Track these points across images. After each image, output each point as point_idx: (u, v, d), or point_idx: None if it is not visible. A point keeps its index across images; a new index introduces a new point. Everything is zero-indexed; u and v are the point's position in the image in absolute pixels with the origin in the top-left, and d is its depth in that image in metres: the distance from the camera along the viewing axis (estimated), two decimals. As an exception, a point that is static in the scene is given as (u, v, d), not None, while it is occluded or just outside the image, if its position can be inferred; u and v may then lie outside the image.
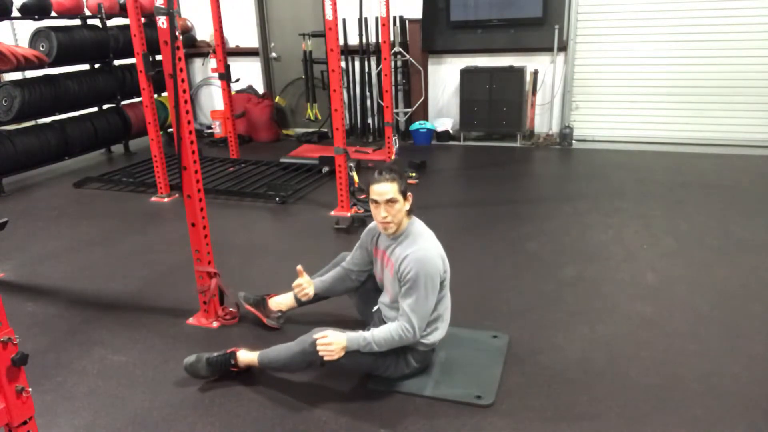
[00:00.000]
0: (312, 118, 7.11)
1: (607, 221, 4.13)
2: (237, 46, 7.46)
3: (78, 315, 3.11)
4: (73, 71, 6.17)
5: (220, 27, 5.82)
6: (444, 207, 4.59)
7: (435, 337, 2.40)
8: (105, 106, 6.58)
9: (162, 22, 2.61)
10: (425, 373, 2.46)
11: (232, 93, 6.51)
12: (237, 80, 6.66)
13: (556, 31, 6.14)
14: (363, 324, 2.70)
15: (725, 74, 5.89)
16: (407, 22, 6.54)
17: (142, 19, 4.81)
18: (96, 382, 2.53)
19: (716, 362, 2.50)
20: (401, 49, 6.52)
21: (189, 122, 2.73)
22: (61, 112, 5.98)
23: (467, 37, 6.51)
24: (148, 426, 2.24)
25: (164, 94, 7.07)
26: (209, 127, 7.53)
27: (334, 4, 4.01)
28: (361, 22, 6.61)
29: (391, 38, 6.04)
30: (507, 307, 3.02)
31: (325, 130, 7.17)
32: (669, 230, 3.93)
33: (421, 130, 6.67)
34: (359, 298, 2.74)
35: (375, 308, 2.58)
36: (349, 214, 4.38)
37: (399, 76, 6.73)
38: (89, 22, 6.36)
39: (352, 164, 4.50)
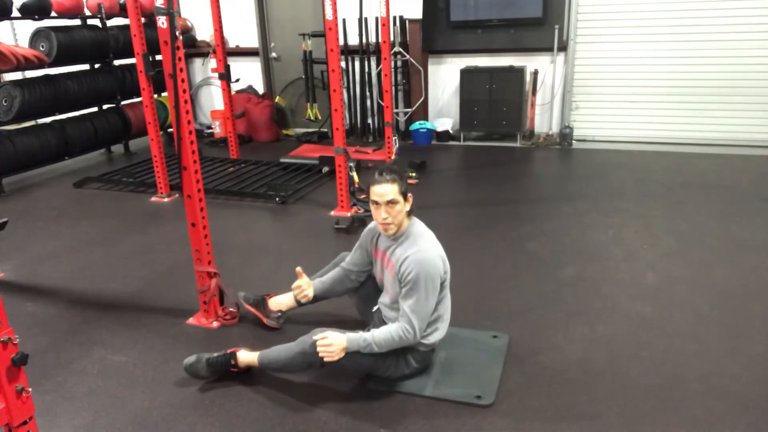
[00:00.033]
0: (312, 118, 7.11)
1: (607, 221, 4.13)
2: (237, 46, 7.46)
3: (78, 315, 3.11)
4: (73, 71, 6.17)
5: (220, 27, 5.82)
6: (444, 207, 4.59)
7: (435, 337, 2.40)
8: (105, 106, 6.58)
9: (162, 22, 2.61)
10: (425, 373, 2.46)
11: (232, 93, 6.51)
12: (237, 80, 6.66)
13: (556, 31, 6.14)
14: (363, 324, 2.70)
15: (725, 74, 5.89)
16: (407, 22, 6.54)
17: (142, 19, 4.81)
18: (96, 382, 2.53)
19: (716, 362, 2.50)
20: (401, 49, 6.52)
21: (189, 122, 2.73)
22: (61, 112, 5.98)
23: (467, 37, 6.51)
24: (148, 426, 2.25)
25: (164, 94, 7.08)
26: (209, 127, 7.53)
27: (334, 4, 4.01)
28: (361, 22, 6.61)
29: (391, 38, 6.04)
30: (507, 307, 3.02)
31: (325, 130, 7.17)
32: (669, 230, 3.93)
33: (421, 130, 6.67)
34: (359, 299, 2.74)
35: (375, 308, 2.58)
36: (349, 214, 4.38)
37: (399, 76, 6.73)
38: (89, 22, 6.36)
39: (352, 164, 4.50)
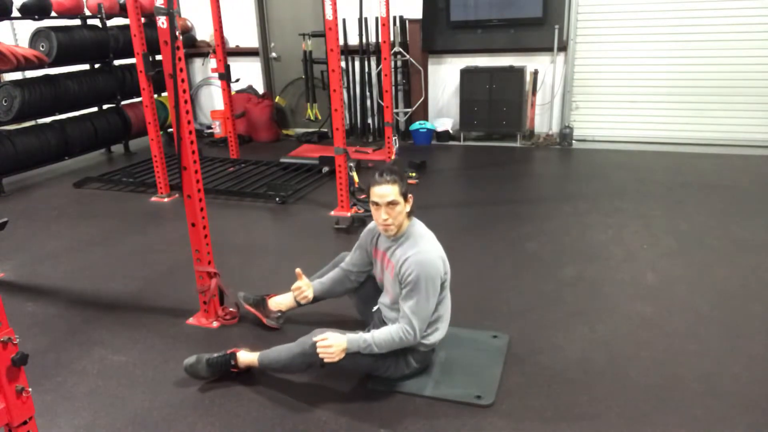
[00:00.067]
0: (312, 118, 7.11)
1: (607, 221, 4.13)
2: (237, 46, 7.46)
3: (78, 315, 3.11)
4: (73, 71, 6.17)
5: (220, 27, 5.82)
6: (444, 207, 4.59)
7: (435, 337, 2.40)
8: (105, 106, 6.58)
9: (162, 22, 2.61)
10: (425, 373, 2.46)
11: (232, 93, 6.51)
12: (237, 80, 6.66)
13: (556, 31, 6.14)
14: (363, 324, 2.70)
15: (725, 74, 5.89)
16: (407, 22, 6.54)
17: (142, 19, 4.81)
18: (96, 382, 2.53)
19: (716, 362, 2.50)
20: (401, 49, 6.52)
21: (189, 122, 2.73)
22: (61, 112, 5.98)
23: (467, 37, 6.51)
24: (148, 426, 2.25)
25: (164, 94, 7.08)
26: (209, 127, 7.53)
27: (334, 4, 4.01)
28: (361, 22, 6.61)
29: (391, 38, 6.04)
30: (507, 307, 3.02)
31: (325, 130, 7.17)
32: (669, 230, 3.93)
33: (421, 130, 6.67)
34: (359, 299, 2.74)
35: (375, 308, 2.58)
36: (349, 214, 4.38)
37: (399, 76, 6.73)
38: (89, 22, 6.36)
39: (352, 164, 4.50)
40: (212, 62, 6.78)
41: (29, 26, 5.89)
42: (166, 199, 4.99)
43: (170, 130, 6.93)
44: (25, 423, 1.60)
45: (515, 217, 4.29)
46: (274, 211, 4.66)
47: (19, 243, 4.13)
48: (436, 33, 6.58)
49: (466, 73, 6.37)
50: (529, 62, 6.37)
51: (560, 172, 5.60)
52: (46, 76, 5.84)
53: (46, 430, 2.24)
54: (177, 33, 2.61)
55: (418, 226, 2.41)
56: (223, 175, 5.53)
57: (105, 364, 2.66)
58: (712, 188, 4.76)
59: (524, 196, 4.84)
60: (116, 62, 6.63)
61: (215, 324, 2.94)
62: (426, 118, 6.80)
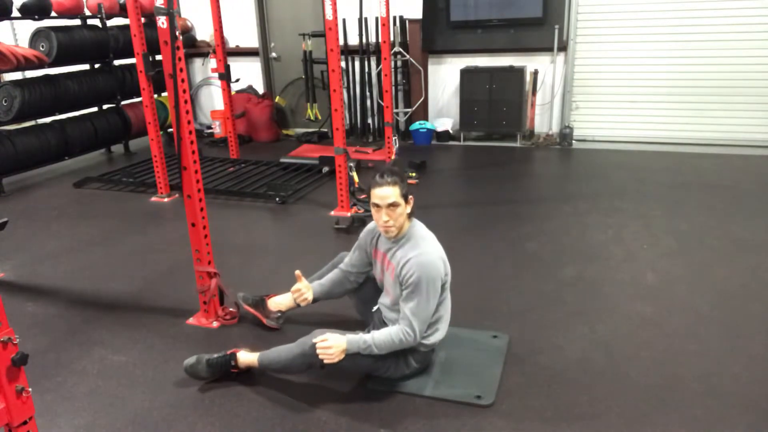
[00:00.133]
0: (312, 118, 7.11)
1: (607, 221, 4.13)
2: (237, 46, 7.46)
3: (78, 315, 3.11)
4: (73, 71, 6.17)
5: (220, 27, 5.82)
6: (444, 207, 4.60)
7: (435, 337, 2.40)
8: (105, 106, 6.58)
9: (162, 22, 2.61)
10: (425, 374, 2.46)
11: (232, 93, 6.51)
12: (237, 80, 6.66)
13: (556, 31, 6.14)
14: (363, 324, 2.70)
15: (725, 74, 5.89)
16: (407, 22, 6.54)
17: (142, 19, 4.81)
18: (96, 382, 2.53)
19: (716, 362, 2.50)
20: (401, 49, 6.52)
21: (189, 122, 2.73)
22: (61, 112, 5.98)
23: (467, 37, 6.51)
24: (148, 426, 2.25)
25: (164, 94, 7.08)
26: (209, 127, 7.53)
27: (334, 4, 4.01)
28: (361, 22, 6.61)
29: (391, 38, 6.04)
30: (507, 307, 3.02)
31: (325, 130, 7.17)
32: (669, 230, 3.93)
33: (421, 130, 6.67)
34: (358, 299, 2.73)
35: (375, 309, 2.58)
36: (349, 214, 4.38)
37: (399, 76, 6.73)
38: (89, 22, 6.36)
39: (352, 164, 4.50)
40: (212, 62, 6.78)
41: (29, 26, 5.89)
42: (166, 199, 4.99)
43: (170, 130, 6.93)
44: (25, 423, 1.60)
45: (515, 217, 4.29)
46: (274, 211, 4.66)
47: (19, 243, 4.13)
48: (436, 33, 6.58)
49: (466, 73, 6.37)
50: (529, 62, 6.37)
51: (560, 172, 5.60)
52: (46, 76, 5.84)
53: (46, 430, 2.24)
54: (177, 33, 2.61)
55: (419, 228, 2.41)
56: (223, 175, 5.53)
57: (105, 364, 2.66)
58: (712, 188, 4.76)
59: (524, 196, 4.84)
60: (116, 62, 6.63)
61: (215, 324, 2.94)
62: (426, 118, 6.80)
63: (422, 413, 2.26)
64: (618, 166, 5.49)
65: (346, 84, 6.89)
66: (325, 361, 2.23)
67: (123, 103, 6.70)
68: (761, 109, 5.88)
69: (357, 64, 6.84)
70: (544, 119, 6.61)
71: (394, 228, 2.33)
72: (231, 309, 3.00)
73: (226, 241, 3.94)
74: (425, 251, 2.30)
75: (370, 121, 6.98)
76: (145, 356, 2.70)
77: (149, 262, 3.74)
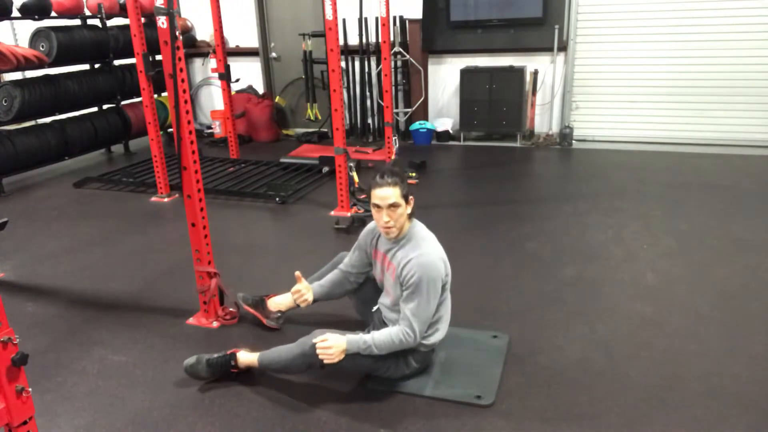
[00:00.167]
0: (312, 118, 7.11)
1: (607, 221, 4.13)
2: (237, 46, 7.46)
3: (78, 315, 3.11)
4: (73, 71, 6.17)
5: (220, 27, 5.82)
6: (444, 207, 4.60)
7: (436, 338, 2.40)
8: (105, 106, 6.58)
9: (162, 22, 2.61)
10: (425, 374, 2.46)
11: (232, 93, 6.51)
12: (237, 80, 6.66)
13: (556, 31, 6.14)
14: (363, 324, 2.70)
15: (725, 74, 5.89)
16: (407, 22, 6.54)
17: (142, 19, 4.81)
18: (96, 382, 2.53)
19: (716, 362, 2.50)
20: (401, 49, 6.52)
21: (189, 122, 2.73)
22: (61, 112, 5.98)
23: (467, 37, 6.50)
24: (148, 426, 2.25)
25: (164, 94, 7.08)
26: (209, 127, 7.53)
27: (334, 4, 4.01)
28: (361, 22, 6.61)
29: (391, 38, 6.04)
30: (507, 307, 3.02)
31: (325, 130, 7.17)
32: (669, 230, 3.93)
33: (421, 130, 6.67)
34: (358, 300, 2.73)
35: (375, 309, 2.57)
36: (349, 214, 4.38)
37: (399, 76, 6.73)
38: (89, 22, 6.36)
39: (352, 164, 4.50)
40: (212, 62, 6.78)
41: (29, 26, 5.89)
42: (166, 199, 4.99)
43: (170, 130, 6.93)
44: (25, 423, 1.60)
45: (515, 217, 4.29)
46: (274, 211, 4.66)
47: (19, 243, 4.13)
48: (436, 33, 6.58)
49: (466, 73, 6.37)
50: (529, 62, 6.37)
51: (560, 172, 5.60)
52: (46, 76, 5.84)
53: (46, 430, 2.24)
54: (177, 33, 2.61)
55: (419, 228, 2.41)
56: (223, 175, 5.53)
57: (105, 364, 2.66)
58: (712, 188, 4.76)
59: (524, 196, 4.84)
60: (116, 62, 6.63)
61: (215, 324, 2.94)
62: (426, 118, 6.80)
63: (422, 413, 2.26)
64: (618, 166, 5.49)
65: (346, 84, 6.89)
66: (325, 362, 2.23)
67: (123, 103, 6.70)
68: (761, 109, 5.88)
69: (357, 64, 6.84)
70: (544, 119, 6.61)
71: (394, 229, 2.32)
72: (231, 309, 3.00)
73: (226, 241, 3.94)
74: (426, 252, 2.30)
75: (370, 121, 6.98)
76: (145, 356, 2.70)
77: (149, 262, 3.74)
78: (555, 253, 3.66)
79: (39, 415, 1.90)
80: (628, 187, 4.85)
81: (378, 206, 2.30)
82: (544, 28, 6.19)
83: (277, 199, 4.80)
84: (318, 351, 2.22)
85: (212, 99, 7.84)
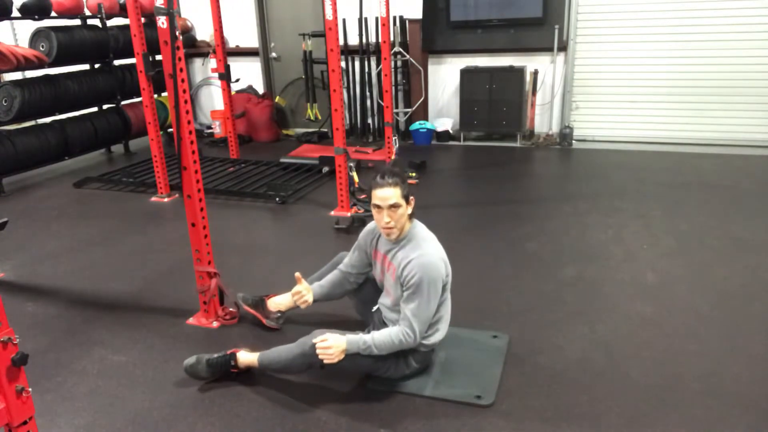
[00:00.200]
0: (312, 118, 7.11)
1: (607, 221, 4.13)
2: (237, 46, 7.46)
3: (78, 315, 3.11)
4: (73, 71, 6.17)
5: (220, 27, 5.82)
6: (444, 207, 4.60)
7: (436, 338, 2.40)
8: (105, 106, 6.58)
9: (162, 22, 2.61)
10: (425, 374, 2.46)
11: (232, 93, 6.51)
12: (237, 80, 6.66)
13: (556, 31, 6.14)
14: (363, 324, 2.70)
15: (725, 74, 5.89)
16: (407, 22, 6.54)
17: (142, 19, 4.81)
18: (96, 382, 2.53)
19: (716, 362, 2.50)
20: (401, 49, 6.52)
21: (189, 122, 2.73)
22: (61, 112, 5.98)
23: (467, 37, 6.51)
24: (148, 426, 2.25)
25: (164, 94, 7.07)
26: (209, 127, 7.53)
27: (334, 4, 4.01)
28: (361, 22, 6.61)
29: (391, 38, 6.04)
30: (507, 307, 3.02)
31: (325, 130, 7.17)
32: (669, 230, 3.93)
33: (421, 130, 6.67)
34: (358, 300, 2.73)
35: (375, 309, 2.57)
36: (349, 214, 4.38)
37: (399, 76, 6.73)
38: (89, 22, 6.36)
39: (352, 164, 4.50)
40: (212, 62, 6.78)
41: (29, 26, 5.88)
42: (166, 199, 4.99)
43: (170, 130, 6.93)
44: (25, 423, 1.60)
45: (515, 217, 4.29)
46: (274, 211, 4.66)
47: (19, 243, 4.13)
48: (436, 33, 6.58)
49: (466, 73, 6.37)
50: (529, 62, 6.37)
51: (560, 172, 5.60)
52: (46, 76, 5.84)
53: (46, 430, 2.24)
54: (177, 33, 2.61)
55: (420, 228, 2.41)
56: (223, 175, 5.53)
57: (105, 364, 2.66)
58: (712, 188, 4.76)
59: (524, 196, 4.84)
60: (116, 62, 6.63)
61: (215, 324, 2.94)
62: (426, 118, 6.80)
63: (422, 413, 2.26)
64: (618, 166, 5.49)
65: (346, 84, 6.89)
66: (325, 362, 2.23)
67: (123, 103, 6.70)
68: (761, 109, 5.88)
69: (357, 64, 6.84)
70: (544, 119, 6.61)
71: (395, 229, 2.32)
72: (231, 309, 3.00)
73: (226, 241, 3.94)
74: (426, 252, 2.30)
75: (370, 121, 6.98)
76: (145, 356, 2.70)
77: (149, 262, 3.74)
78: (555, 253, 3.66)
79: (39, 415, 1.90)
80: (628, 187, 4.85)
81: (379, 207, 2.29)
82: (544, 28, 6.19)
83: (277, 199, 4.80)
84: (318, 351, 2.22)
85: (212, 99, 7.84)
